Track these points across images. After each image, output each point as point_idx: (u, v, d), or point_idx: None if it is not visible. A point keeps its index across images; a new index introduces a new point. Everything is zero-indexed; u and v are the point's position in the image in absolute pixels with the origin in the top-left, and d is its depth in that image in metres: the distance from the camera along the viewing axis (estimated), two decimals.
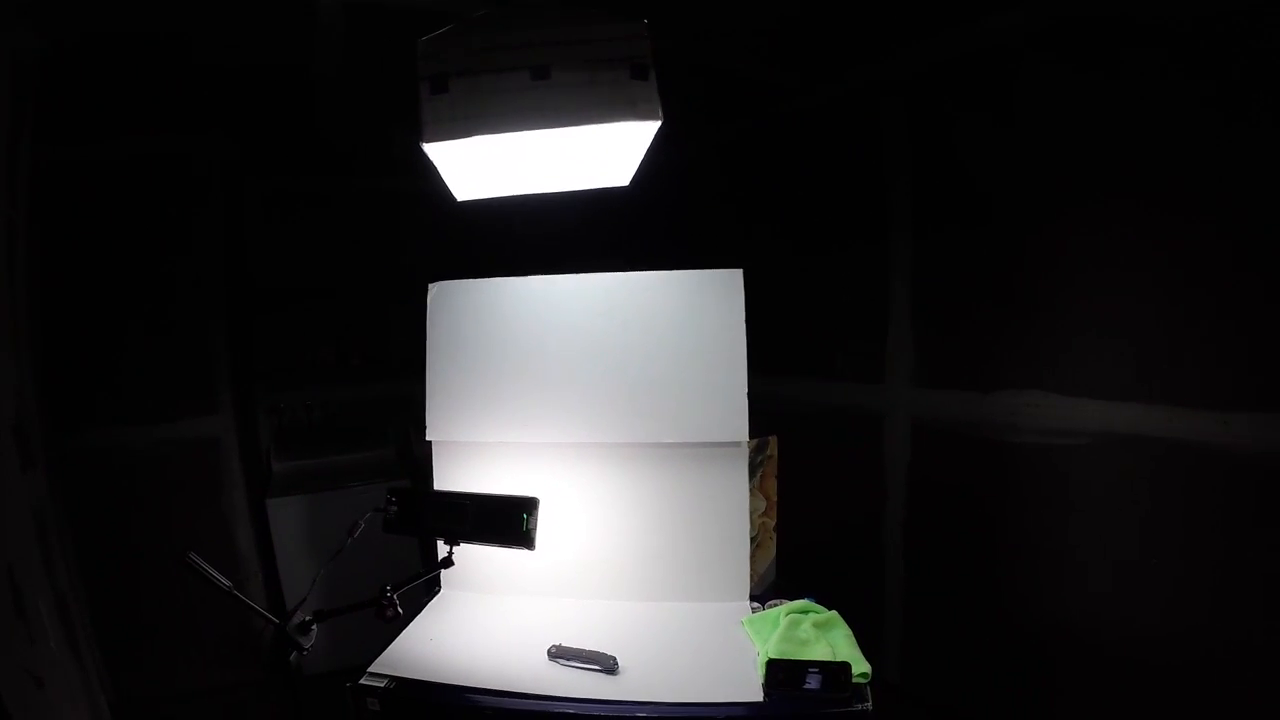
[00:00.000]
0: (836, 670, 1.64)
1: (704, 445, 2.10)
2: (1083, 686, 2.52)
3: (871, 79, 3.12)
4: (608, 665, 1.74)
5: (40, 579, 2.24)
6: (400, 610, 1.71)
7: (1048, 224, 2.54)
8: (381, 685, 1.73)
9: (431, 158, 1.59)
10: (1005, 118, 2.66)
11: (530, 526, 1.79)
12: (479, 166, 1.70)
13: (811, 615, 1.91)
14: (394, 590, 1.71)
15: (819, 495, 3.32)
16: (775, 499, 2.29)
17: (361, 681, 1.75)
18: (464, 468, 2.25)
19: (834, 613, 1.92)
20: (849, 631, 1.85)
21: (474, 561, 1.95)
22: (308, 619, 1.62)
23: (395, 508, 1.91)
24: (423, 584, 1.93)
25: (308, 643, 1.62)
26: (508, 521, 1.81)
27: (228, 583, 1.63)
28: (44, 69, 2.34)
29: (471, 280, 2.29)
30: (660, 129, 1.53)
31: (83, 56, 2.50)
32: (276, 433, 4.32)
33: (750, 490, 2.14)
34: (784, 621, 1.87)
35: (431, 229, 3.99)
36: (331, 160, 4.14)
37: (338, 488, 3.80)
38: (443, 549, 1.87)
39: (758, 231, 3.92)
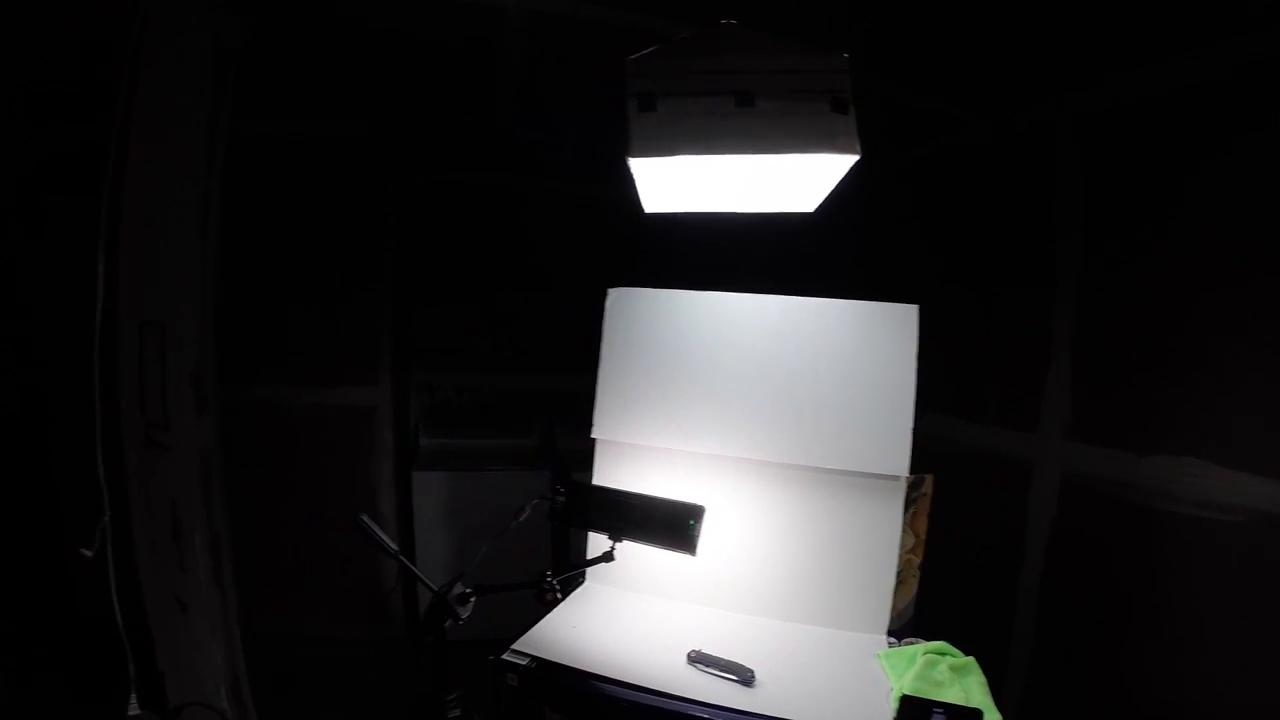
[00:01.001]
0: (968, 716, 1.62)
1: (863, 475, 2.10)
2: None
3: (1048, 116, 3.02)
4: (745, 677, 1.76)
5: (199, 514, 2.42)
6: (560, 595, 1.76)
7: (1227, 288, 2.40)
8: (523, 663, 1.81)
9: (633, 171, 1.64)
10: (1192, 168, 2.53)
11: (695, 533, 1.82)
12: (673, 182, 1.76)
13: (949, 658, 1.88)
14: (554, 576, 1.76)
15: (956, 538, 3.24)
16: (924, 537, 2.26)
17: (504, 657, 1.83)
18: (625, 468, 2.31)
19: (971, 659, 1.88)
20: (984, 680, 1.81)
21: (621, 559, 1.99)
22: (468, 591, 1.69)
23: (563, 498, 1.98)
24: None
25: (465, 614, 1.69)
26: (674, 525, 1.86)
27: (395, 546, 1.72)
28: (245, 50, 2.50)
29: (650, 290, 2.36)
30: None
31: (280, 40, 2.71)
32: (427, 410, 4.50)
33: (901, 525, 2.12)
34: (921, 660, 1.84)
35: (595, 233, 4.13)
36: (503, 159, 4.29)
37: (479, 469, 3.95)
38: (604, 544, 1.93)
39: (921, 263, 3.84)
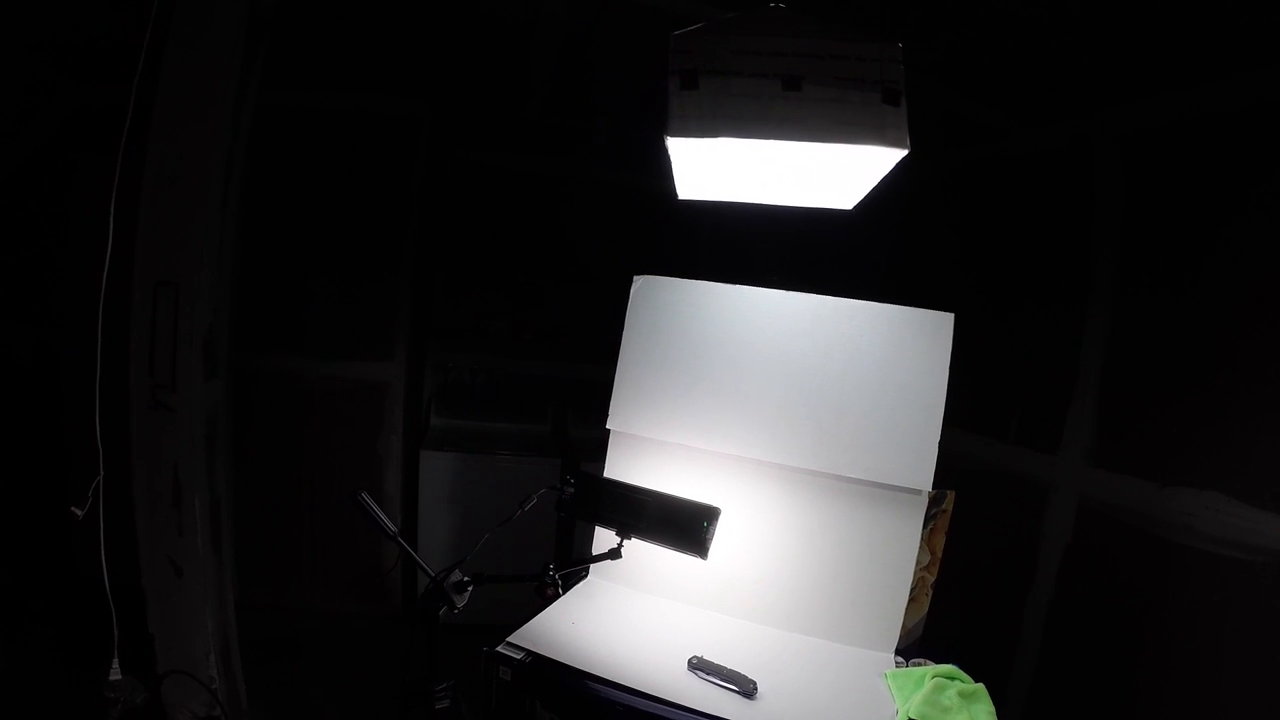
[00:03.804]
0: None
1: (884, 487, 2.04)
2: None
3: (1090, 129, 2.94)
4: (746, 688, 1.70)
5: (201, 479, 2.41)
6: (561, 591, 1.72)
7: (1266, 323, 2.34)
8: (518, 657, 1.76)
9: (670, 152, 1.58)
10: (1241, 195, 2.46)
11: (709, 535, 1.76)
12: (710, 168, 1.69)
13: (958, 683, 1.82)
14: (556, 570, 1.72)
15: (967, 557, 3.17)
16: (939, 555, 2.20)
17: (498, 649, 1.78)
18: (637, 462, 2.25)
19: (980, 685, 1.82)
20: (992, 709, 1.75)
21: (626, 556, 1.93)
22: (465, 580, 1.65)
23: (573, 489, 1.92)
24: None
25: (460, 602, 1.64)
26: (687, 526, 1.79)
27: (394, 527, 1.68)
28: (278, 18, 2.48)
29: (676, 279, 2.30)
30: None
31: (312, 9, 2.67)
32: (440, 389, 4.47)
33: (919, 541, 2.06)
34: (929, 684, 1.79)
35: (624, 221, 4.11)
36: (535, 143, 4.26)
37: (488, 453, 3.93)
38: (611, 540, 1.87)
39: (952, 272, 3.77)
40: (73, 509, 2.01)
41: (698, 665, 1.77)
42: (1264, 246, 2.37)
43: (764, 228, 2.91)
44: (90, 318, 2.31)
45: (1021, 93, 2.90)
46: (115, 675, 2.14)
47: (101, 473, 2.04)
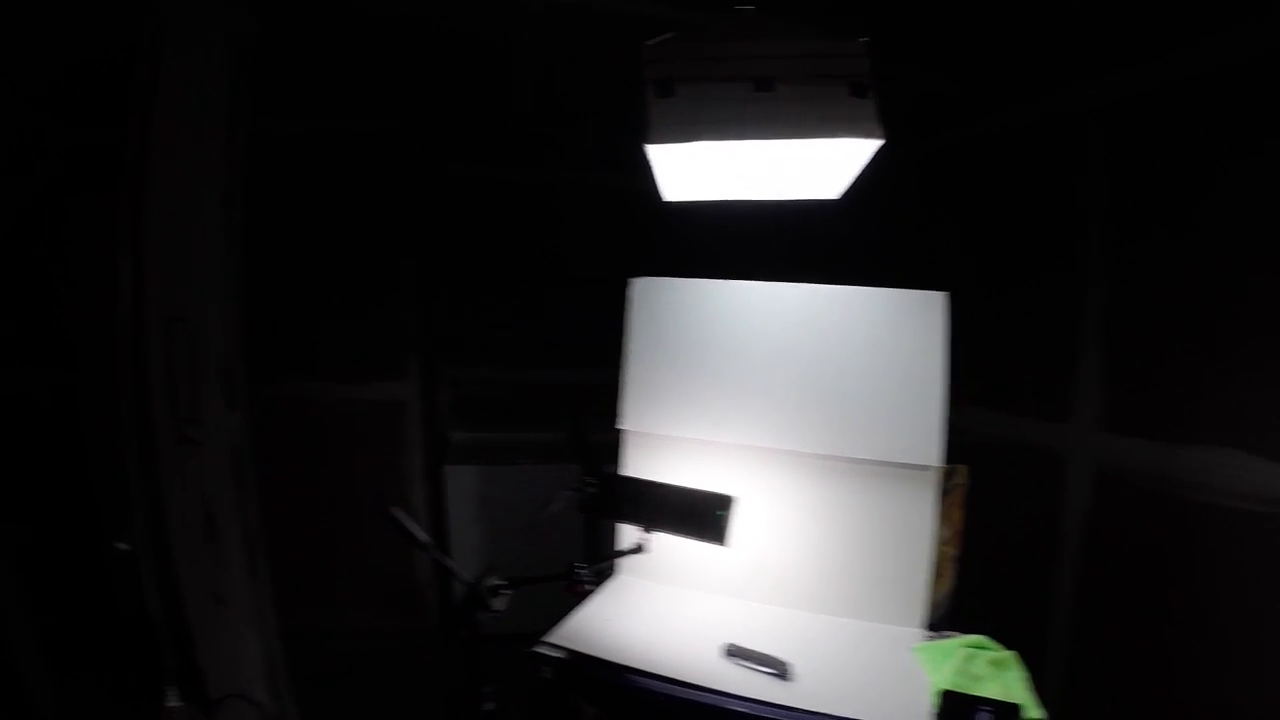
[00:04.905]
0: (1009, 711, 1.59)
1: (894, 465, 2.08)
2: None
3: (1076, 98, 2.96)
4: (781, 670, 1.74)
5: (232, 510, 2.47)
6: (591, 586, 1.76)
7: (1267, 273, 2.35)
8: (557, 656, 1.81)
9: (651, 158, 1.64)
10: (1234, 147, 2.47)
11: (725, 522, 1.81)
12: (693, 170, 1.75)
13: (988, 652, 1.85)
14: (585, 568, 1.76)
15: (992, 530, 3.20)
16: (960, 529, 2.23)
17: (538, 649, 1.83)
18: (653, 459, 2.30)
19: (1012, 653, 1.86)
20: (1024, 674, 1.78)
21: (653, 550, 1.99)
22: (500, 583, 1.69)
23: (594, 489, 1.97)
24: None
25: (498, 606, 1.69)
26: (704, 515, 1.85)
27: (426, 538, 1.72)
28: (258, 48, 2.53)
29: (674, 279, 2.35)
30: None
31: (295, 35, 2.73)
32: (456, 404, 4.49)
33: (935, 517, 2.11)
34: (959, 654, 1.82)
35: (618, 224, 4.10)
36: (522, 153, 4.30)
37: (510, 463, 3.99)
38: (633, 535, 1.92)
39: (949, 251, 3.80)
40: (117, 544, 2.05)
41: (733, 651, 1.81)
42: (1251, 195, 2.38)
43: (759, 222, 2.94)
44: (104, 357, 2.36)
45: (1006, 68, 2.93)
46: (173, 703, 2.18)
47: (141, 510, 2.08)
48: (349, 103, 3.63)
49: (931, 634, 2.01)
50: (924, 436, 2.04)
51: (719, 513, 1.82)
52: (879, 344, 2.12)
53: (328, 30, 2.80)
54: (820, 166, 1.71)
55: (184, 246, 2.34)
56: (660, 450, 2.30)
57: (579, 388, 4.29)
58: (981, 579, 2.64)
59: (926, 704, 1.67)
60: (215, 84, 2.36)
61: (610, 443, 2.47)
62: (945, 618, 2.19)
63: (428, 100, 3.65)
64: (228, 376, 2.46)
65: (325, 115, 3.69)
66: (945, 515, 2.17)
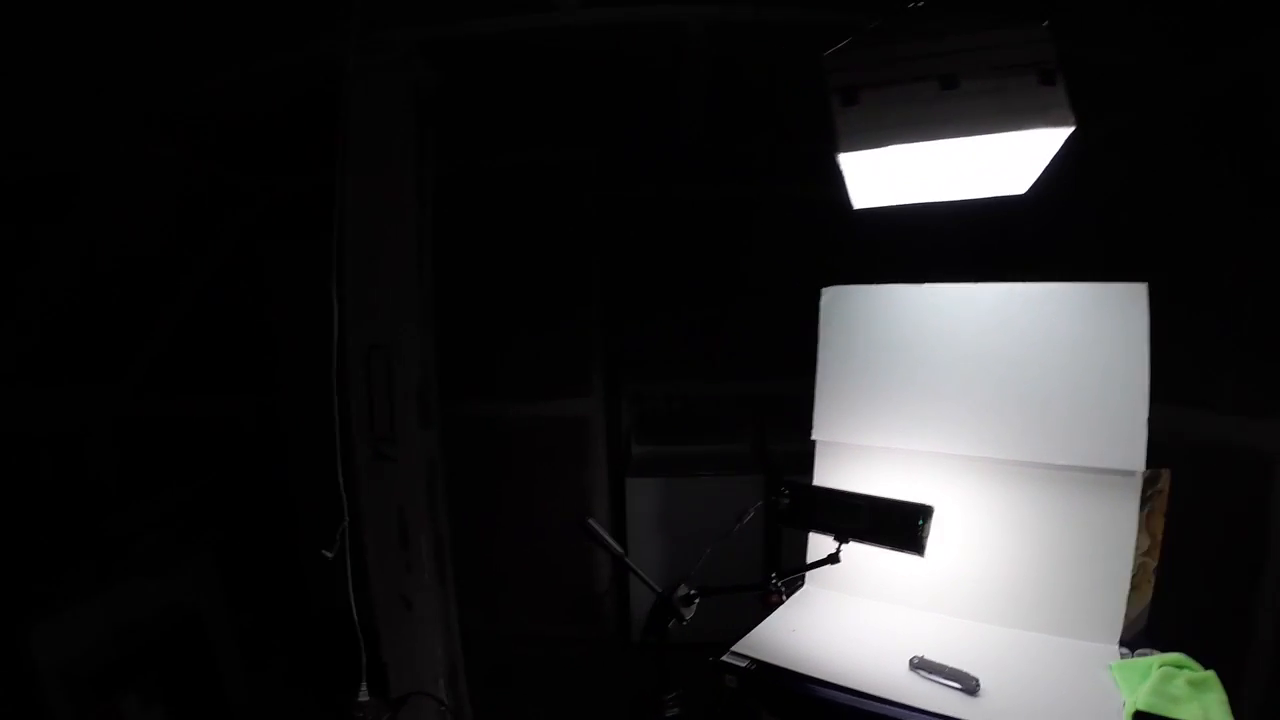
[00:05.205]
0: None
1: (1094, 471, 1.98)
2: None
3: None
4: (969, 685, 1.70)
5: (424, 520, 2.66)
6: (785, 597, 1.79)
7: None
8: (743, 665, 1.83)
9: (843, 168, 1.64)
10: None
11: (925, 533, 1.79)
12: (882, 174, 1.73)
13: (1186, 672, 1.74)
14: (779, 578, 1.79)
15: (1190, 540, 2.98)
16: (1160, 539, 2.12)
17: (724, 658, 1.85)
18: (845, 469, 2.29)
19: (1211, 672, 1.73)
20: (1225, 697, 1.65)
21: (839, 562, 1.98)
22: (691, 593, 1.74)
23: (788, 500, 1.99)
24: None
25: (688, 615, 1.73)
26: (902, 525, 1.82)
27: (620, 549, 1.79)
28: (440, 96, 2.71)
29: (864, 286, 2.34)
30: None
31: (468, 84, 2.90)
32: (637, 419, 4.66)
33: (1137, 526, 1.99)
34: (1157, 673, 1.72)
35: (798, 235, 4.13)
36: (700, 170, 4.36)
37: (691, 475, 4.05)
38: (825, 546, 1.93)
39: (1139, 238, 3.50)
40: (323, 551, 2.24)
41: (919, 665, 1.78)
42: None
43: (943, 222, 2.88)
44: (303, 384, 2.56)
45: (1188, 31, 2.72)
46: (364, 696, 2.35)
47: (346, 520, 2.26)
48: (529, 136, 3.81)
49: (1127, 651, 1.92)
50: (1126, 439, 1.93)
51: (919, 522, 1.79)
52: (1076, 342, 2.02)
53: (499, 74, 2.95)
54: (1010, 160, 1.67)
55: (381, 279, 2.55)
56: (852, 460, 2.29)
57: (761, 399, 4.37)
58: (1180, 592, 2.49)
59: None
60: (404, 132, 2.56)
61: (792, 453, 2.48)
62: (1142, 634, 2.09)
63: (602, 128, 3.78)
64: (423, 397, 2.64)
65: (511, 150, 3.90)
66: (1145, 524, 2.06)
